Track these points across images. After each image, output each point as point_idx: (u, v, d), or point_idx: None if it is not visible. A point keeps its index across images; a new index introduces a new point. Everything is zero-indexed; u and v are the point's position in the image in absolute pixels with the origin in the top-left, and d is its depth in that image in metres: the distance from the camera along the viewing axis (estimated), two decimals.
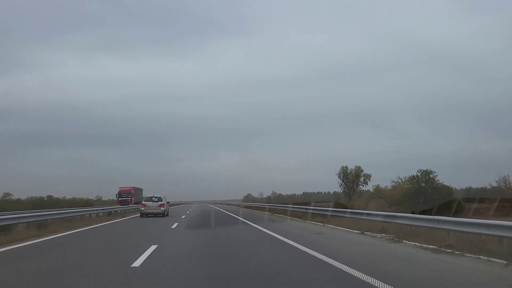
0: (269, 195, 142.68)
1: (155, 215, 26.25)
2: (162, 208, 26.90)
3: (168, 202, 31.18)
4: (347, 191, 77.95)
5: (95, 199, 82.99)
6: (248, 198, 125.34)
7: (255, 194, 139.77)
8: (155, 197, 27.74)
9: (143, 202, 28.27)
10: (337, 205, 27.07)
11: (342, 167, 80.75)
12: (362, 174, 79.31)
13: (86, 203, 56.11)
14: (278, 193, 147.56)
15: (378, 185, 67.66)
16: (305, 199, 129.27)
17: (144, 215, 26.60)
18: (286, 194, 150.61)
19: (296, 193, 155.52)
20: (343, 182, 79.47)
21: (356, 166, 79.79)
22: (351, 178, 78.55)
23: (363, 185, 79.10)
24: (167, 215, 27.84)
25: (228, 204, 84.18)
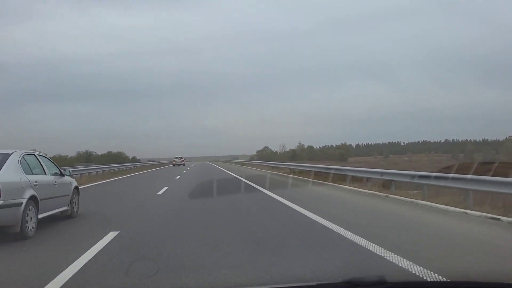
0: (294, 148, 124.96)
1: (179, 165, 56.84)
2: (183, 162, 60.10)
3: (184, 159, 63.55)
4: None
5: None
6: (263, 153, 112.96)
7: (275, 148, 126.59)
8: (180, 157, 61.64)
9: (174, 159, 62.25)
10: None
11: None
12: None
13: None
14: (305, 145, 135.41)
15: None
16: (344, 154, 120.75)
17: (174, 165, 57.47)
18: (318, 147, 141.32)
19: (326, 145, 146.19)
20: None
21: None
22: None
23: None
24: (184, 165, 57.36)
25: (227, 163, 73.94)
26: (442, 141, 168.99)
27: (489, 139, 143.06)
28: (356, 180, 16.48)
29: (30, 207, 7.03)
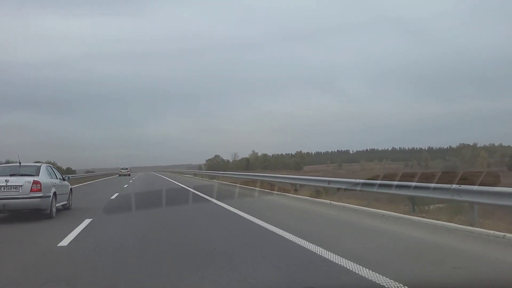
0: (247, 156, 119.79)
1: (125, 175, 63.41)
2: (129, 172, 67.71)
3: (130, 169, 72.32)
4: None
5: None
6: (213, 162, 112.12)
7: (226, 156, 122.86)
8: (125, 167, 69.63)
9: (120, 169, 69.55)
10: None
11: None
12: None
13: None
14: (259, 153, 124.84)
15: None
16: (300, 162, 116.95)
17: (120, 175, 63.84)
18: (272, 155, 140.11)
19: (281, 153, 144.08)
20: None
21: None
22: None
23: None
24: (129, 175, 63.55)
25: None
26: (389, 149, 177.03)
27: (434, 147, 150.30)
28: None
29: (53, 199, 11.42)
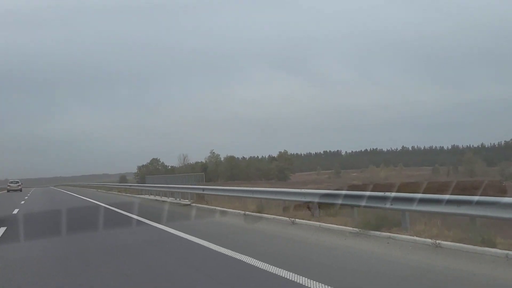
0: (203, 160, 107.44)
1: (15, 190, 61.44)
2: (20, 187, 64.60)
3: (22, 183, 67.32)
4: None
5: None
6: (149, 169, 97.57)
7: (171, 161, 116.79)
8: (15, 180, 67.31)
9: (8, 183, 65.91)
10: None
11: None
12: None
13: None
14: (221, 156, 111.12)
15: None
16: (285, 168, 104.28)
17: (9, 191, 60.85)
18: (245, 157, 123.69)
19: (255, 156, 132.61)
20: None
21: None
22: None
23: None
24: (21, 190, 60.67)
25: None
26: (398, 150, 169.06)
27: (460, 146, 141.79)
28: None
29: None
